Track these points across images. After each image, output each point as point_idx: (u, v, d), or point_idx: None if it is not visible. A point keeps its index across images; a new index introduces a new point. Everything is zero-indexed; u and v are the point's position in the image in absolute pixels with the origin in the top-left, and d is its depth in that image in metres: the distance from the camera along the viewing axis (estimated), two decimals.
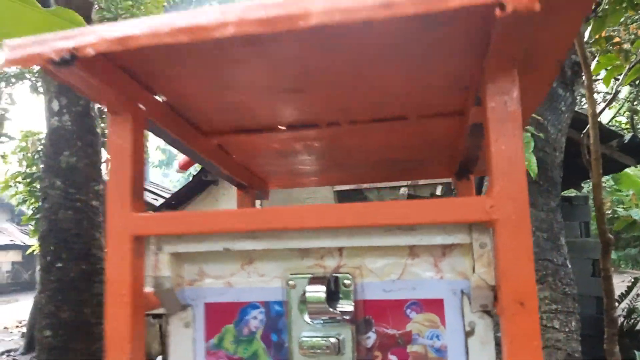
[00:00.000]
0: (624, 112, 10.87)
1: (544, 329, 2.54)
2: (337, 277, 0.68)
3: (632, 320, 5.76)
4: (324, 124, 0.89)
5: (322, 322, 0.68)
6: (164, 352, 6.43)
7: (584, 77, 3.19)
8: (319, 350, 0.66)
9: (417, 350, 0.66)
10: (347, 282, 0.67)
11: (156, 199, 7.97)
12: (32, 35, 0.84)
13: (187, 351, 0.73)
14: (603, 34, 4.21)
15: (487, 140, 0.59)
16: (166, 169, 19.36)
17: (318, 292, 0.64)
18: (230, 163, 1.05)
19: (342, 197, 4.94)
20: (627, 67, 3.45)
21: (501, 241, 0.57)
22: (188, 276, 0.73)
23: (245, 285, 0.71)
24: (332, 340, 0.66)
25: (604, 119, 10.89)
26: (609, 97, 7.35)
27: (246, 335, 0.71)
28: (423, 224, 0.62)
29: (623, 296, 6.27)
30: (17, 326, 9.97)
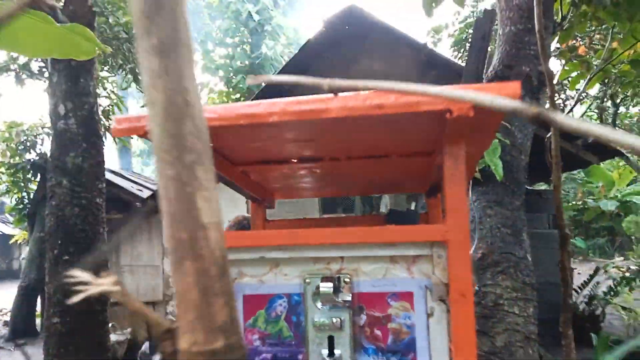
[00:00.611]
0: (594, 108, 11.40)
1: (505, 314, 2.90)
2: (339, 277, 0.97)
3: (592, 307, 6.24)
4: (327, 158, 1.18)
5: (328, 307, 0.97)
6: (150, 338, 6.67)
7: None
8: (327, 327, 0.96)
9: (394, 327, 0.96)
10: (347, 280, 0.97)
11: (140, 190, 8.10)
12: (50, 49, 1.12)
13: None
14: (570, 42, 4.58)
15: (444, 185, 0.89)
16: (147, 157, 19.47)
17: (328, 287, 0.94)
18: (249, 183, 1.33)
19: (328, 197, 5.24)
20: (588, 76, 3.82)
21: (451, 254, 0.87)
22: (232, 275, 1.01)
23: (273, 283, 1.00)
24: (336, 320, 0.96)
25: (577, 113, 11.37)
26: (582, 95, 7.77)
27: (274, 317, 1.00)
28: (400, 242, 0.92)
29: (586, 284, 6.72)
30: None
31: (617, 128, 10.68)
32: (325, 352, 0.96)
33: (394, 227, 0.89)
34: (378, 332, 0.97)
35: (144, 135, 0.85)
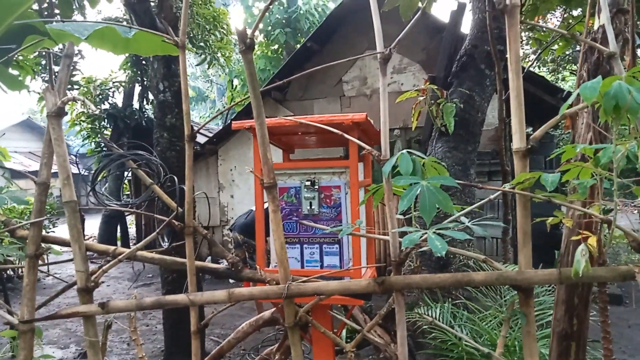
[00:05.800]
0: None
1: None
2: (314, 179, 2.72)
3: None
4: (313, 134, 2.90)
5: (309, 191, 2.73)
6: (211, 254, 8.79)
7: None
8: (309, 198, 2.73)
9: (334, 198, 2.71)
10: (316, 181, 2.72)
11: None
12: (149, 49, 2.81)
13: None
14: (539, 18, 5.90)
15: (349, 146, 2.61)
16: (195, 104, 21.67)
17: (310, 184, 2.70)
18: (281, 142, 3.08)
19: None
20: (539, 50, 5.23)
21: (350, 171, 2.61)
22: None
23: (290, 182, 2.77)
24: (312, 195, 2.73)
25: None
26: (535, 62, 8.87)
27: (289, 195, 2.78)
28: (337, 166, 2.66)
29: None
30: (88, 238, 12.57)
31: None
32: (308, 207, 2.73)
33: (336, 160, 2.63)
34: (328, 200, 2.72)
35: (247, 129, 2.61)
